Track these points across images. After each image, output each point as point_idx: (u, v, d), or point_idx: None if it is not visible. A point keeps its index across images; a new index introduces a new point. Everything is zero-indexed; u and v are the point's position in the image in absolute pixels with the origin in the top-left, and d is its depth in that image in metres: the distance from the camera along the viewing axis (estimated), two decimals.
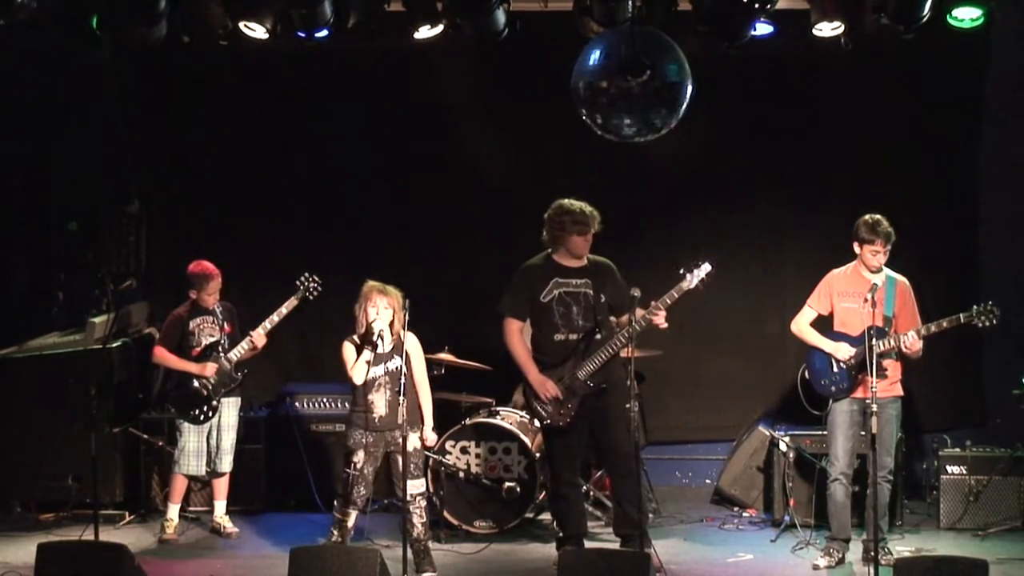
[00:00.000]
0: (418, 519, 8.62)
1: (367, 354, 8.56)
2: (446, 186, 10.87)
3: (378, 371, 8.63)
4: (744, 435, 10.44)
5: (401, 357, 8.57)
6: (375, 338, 8.53)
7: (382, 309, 8.57)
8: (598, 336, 8.67)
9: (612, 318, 8.81)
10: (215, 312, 9.63)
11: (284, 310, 9.47)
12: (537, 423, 9.18)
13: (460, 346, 9.99)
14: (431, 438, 8.79)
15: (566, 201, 8.66)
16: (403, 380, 8.36)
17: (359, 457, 8.65)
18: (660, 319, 8.52)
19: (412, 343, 8.68)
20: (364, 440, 8.65)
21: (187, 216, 10.97)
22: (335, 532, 8.73)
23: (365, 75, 10.69)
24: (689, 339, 10.43)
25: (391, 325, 8.63)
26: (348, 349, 8.69)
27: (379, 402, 8.62)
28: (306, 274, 9.48)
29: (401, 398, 8.29)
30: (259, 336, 9.49)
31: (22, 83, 10.49)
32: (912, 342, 8.56)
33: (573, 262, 8.73)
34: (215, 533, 9.73)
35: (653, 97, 7.82)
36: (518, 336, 8.79)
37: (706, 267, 8.50)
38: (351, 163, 10.93)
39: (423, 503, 8.67)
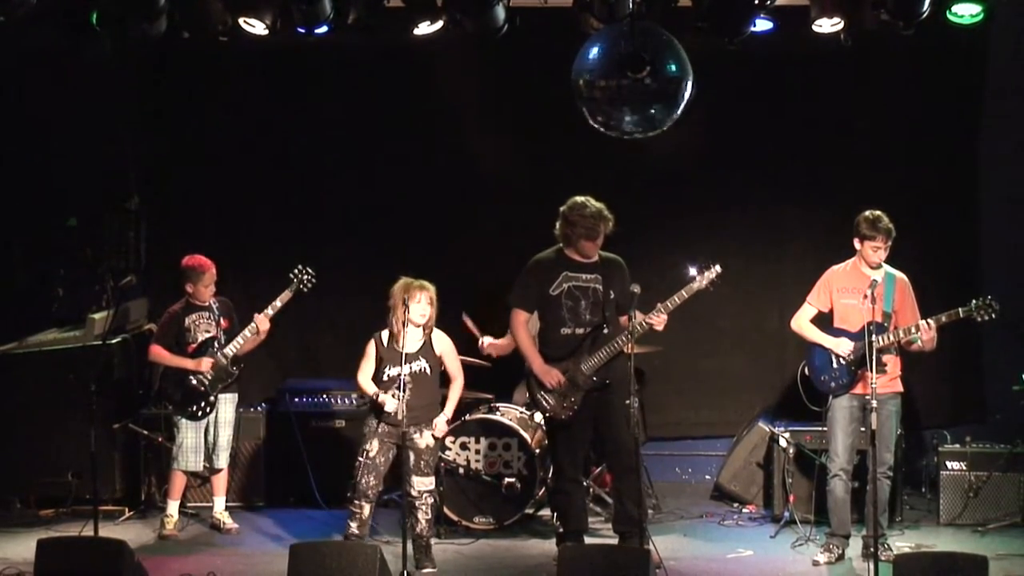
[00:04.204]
0: (423, 516, 8.62)
1: (389, 401, 8.55)
2: (445, 183, 10.87)
3: (401, 370, 8.59)
4: (744, 431, 10.44)
5: (427, 359, 8.60)
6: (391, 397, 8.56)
7: (425, 305, 8.54)
8: (605, 332, 8.67)
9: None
10: (211, 308, 9.62)
11: (279, 303, 9.46)
12: (539, 418, 9.19)
13: (460, 343, 9.97)
14: (441, 428, 8.73)
15: (581, 200, 8.62)
16: (429, 375, 8.44)
17: (372, 446, 8.64)
18: (659, 324, 8.54)
19: (443, 343, 8.69)
20: (379, 430, 8.64)
21: (187, 212, 10.97)
22: (352, 525, 8.68)
23: (365, 71, 10.69)
24: (689, 335, 10.44)
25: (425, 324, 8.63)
26: (370, 352, 8.68)
27: (390, 402, 8.60)
28: (299, 266, 9.47)
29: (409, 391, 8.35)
30: (262, 320, 9.45)
31: (22, 79, 10.48)
32: (926, 330, 8.55)
33: (584, 258, 8.73)
34: (215, 529, 9.74)
35: (653, 93, 7.81)
36: (524, 327, 8.79)
37: (716, 268, 8.52)
38: (351, 159, 10.93)
39: (430, 500, 8.67)
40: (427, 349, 8.64)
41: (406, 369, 8.55)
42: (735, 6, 8.88)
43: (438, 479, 9.48)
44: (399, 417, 8.47)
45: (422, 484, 8.59)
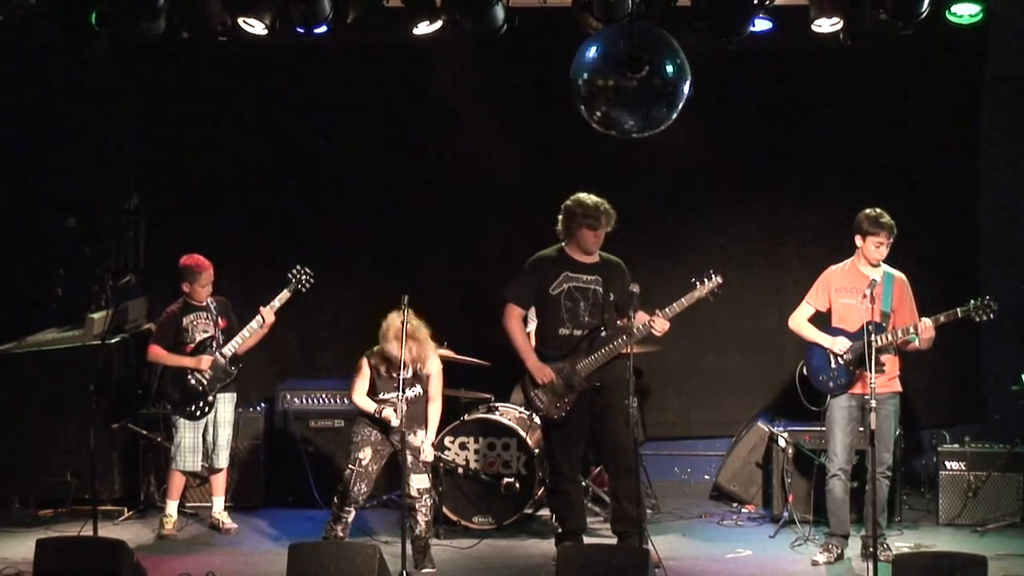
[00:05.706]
0: (422, 516, 8.62)
1: (392, 415, 8.53)
2: (445, 182, 10.87)
3: (397, 394, 8.58)
4: (743, 431, 10.44)
5: (420, 383, 8.62)
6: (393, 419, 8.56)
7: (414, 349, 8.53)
8: (603, 334, 8.66)
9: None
10: (209, 307, 9.63)
11: (277, 303, 9.46)
12: (536, 417, 9.18)
13: (459, 342, 9.99)
14: (429, 453, 8.72)
15: (584, 194, 8.68)
16: (422, 395, 8.53)
17: (365, 454, 8.65)
18: (660, 330, 8.55)
19: (434, 364, 8.69)
20: (372, 438, 8.64)
21: (186, 212, 10.96)
22: (335, 527, 8.71)
23: (364, 71, 10.70)
24: (688, 335, 10.39)
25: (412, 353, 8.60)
26: (364, 371, 8.67)
27: (393, 417, 8.58)
28: (298, 266, 9.48)
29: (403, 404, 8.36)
30: (268, 312, 9.45)
31: (21, 78, 10.48)
32: (925, 329, 8.56)
33: (585, 257, 8.73)
34: (214, 529, 9.74)
35: (652, 93, 7.81)
36: (518, 323, 8.79)
37: (717, 279, 8.57)
38: (350, 159, 10.93)
39: (428, 501, 8.67)
40: (422, 379, 8.69)
41: (401, 394, 8.57)
42: (735, 6, 8.89)
43: (437, 479, 9.49)
44: (397, 425, 8.47)
45: (421, 482, 8.59)
